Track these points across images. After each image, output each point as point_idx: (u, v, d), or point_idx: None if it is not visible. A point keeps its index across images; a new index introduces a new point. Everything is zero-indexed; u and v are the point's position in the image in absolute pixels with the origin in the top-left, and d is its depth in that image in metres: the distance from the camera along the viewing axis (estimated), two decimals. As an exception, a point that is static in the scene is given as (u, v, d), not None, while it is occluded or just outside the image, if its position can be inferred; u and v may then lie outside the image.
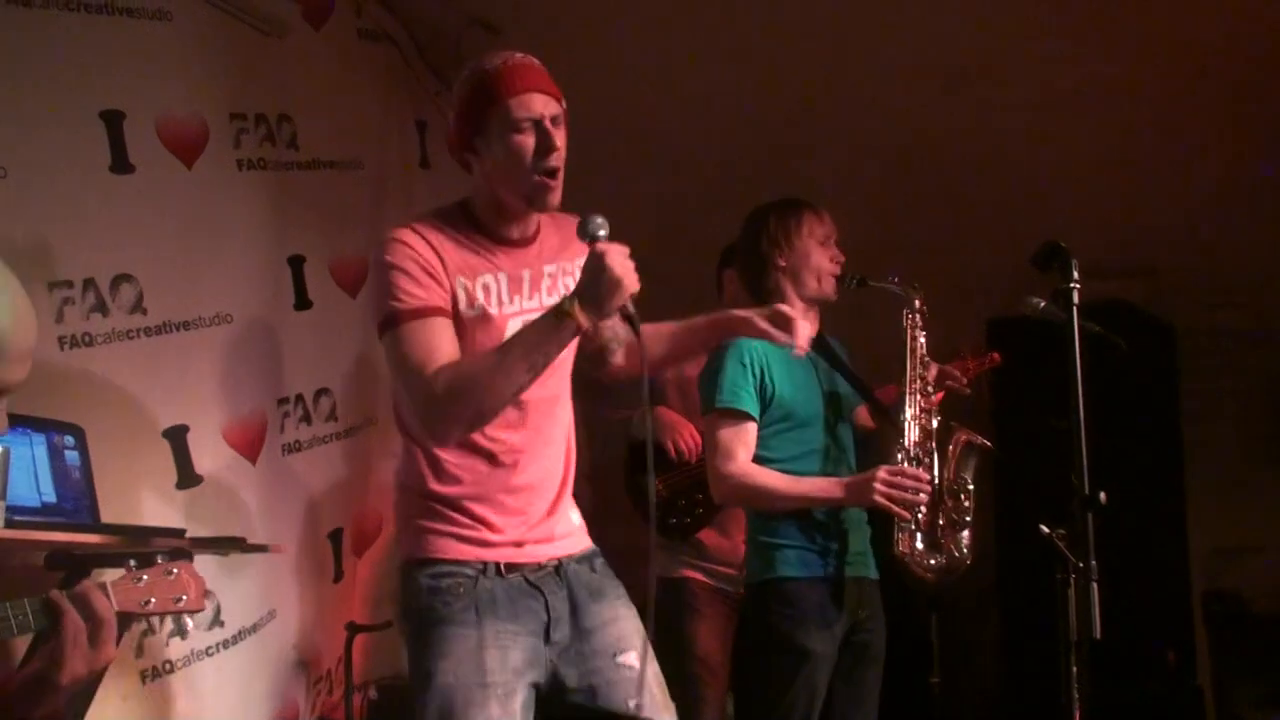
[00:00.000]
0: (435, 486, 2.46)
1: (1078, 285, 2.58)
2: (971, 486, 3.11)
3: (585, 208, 2.40)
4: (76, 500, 3.07)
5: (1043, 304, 2.72)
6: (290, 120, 4.20)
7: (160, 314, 3.61)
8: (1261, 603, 5.31)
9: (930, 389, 3.14)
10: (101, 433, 3.28)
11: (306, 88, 4.29)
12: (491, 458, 2.49)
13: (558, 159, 2.42)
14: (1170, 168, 4.73)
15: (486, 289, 2.46)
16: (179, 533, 3.20)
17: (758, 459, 3.13)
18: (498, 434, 2.48)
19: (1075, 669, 2.55)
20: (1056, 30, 4.34)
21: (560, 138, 2.42)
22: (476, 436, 2.46)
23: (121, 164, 3.54)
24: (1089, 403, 2.50)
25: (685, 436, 3.82)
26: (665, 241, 4.90)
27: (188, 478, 3.66)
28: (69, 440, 3.12)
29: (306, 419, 4.19)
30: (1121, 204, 4.83)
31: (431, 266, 2.38)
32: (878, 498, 2.97)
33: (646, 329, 2.37)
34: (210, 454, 3.73)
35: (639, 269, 2.26)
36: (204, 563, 3.54)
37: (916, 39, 4.43)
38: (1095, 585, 2.44)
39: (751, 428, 3.10)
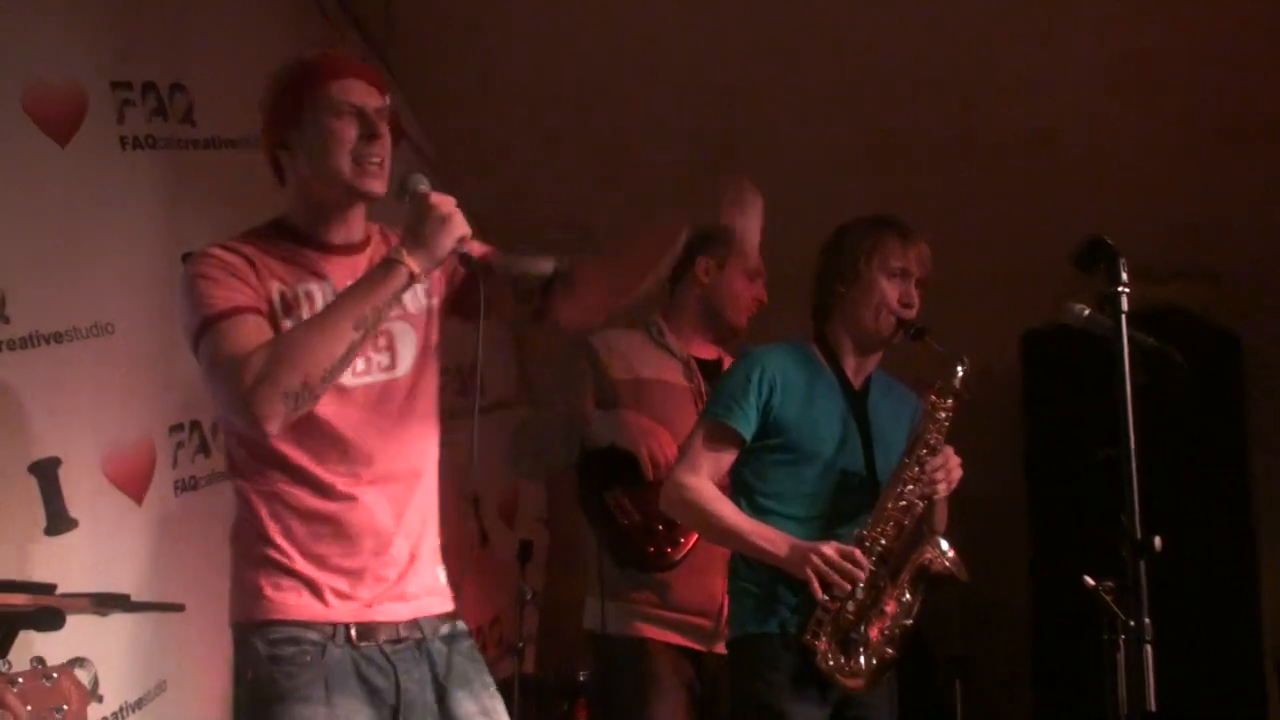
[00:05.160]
0: (273, 532, 2.47)
1: (1127, 290, 2.60)
2: (908, 598, 3.17)
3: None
4: (-77, 549, 3.04)
5: (1086, 312, 2.74)
6: (185, 90, 4.20)
7: (27, 323, 3.60)
8: (1346, 667, 5.35)
9: (924, 478, 3.19)
10: (-46, 467, 3.27)
11: (205, 51, 4.29)
12: (332, 493, 2.49)
13: (381, 149, 2.53)
14: (1234, 153, 4.77)
15: (310, 296, 2.52)
16: (49, 588, 3.18)
17: (744, 483, 3.28)
18: (345, 462, 2.50)
19: (1126, 747, 2.57)
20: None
21: (385, 131, 2.54)
22: (316, 468, 2.48)
23: (-20, 142, 3.55)
24: (1141, 428, 2.52)
25: (664, 445, 3.64)
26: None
27: (59, 520, 3.64)
28: (-85, 476, 3.09)
29: (204, 450, 4.18)
30: (1178, 195, 4.87)
31: (239, 270, 2.48)
32: (808, 571, 3.09)
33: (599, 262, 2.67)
34: (87, 492, 3.71)
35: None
36: (80, 624, 3.51)
37: (931, 5, 4.47)
38: (1149, 648, 2.45)
39: (732, 451, 3.27)
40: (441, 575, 2.68)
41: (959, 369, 3.25)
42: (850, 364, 3.36)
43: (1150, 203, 4.81)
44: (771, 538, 3.15)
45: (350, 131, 2.51)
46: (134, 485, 3.89)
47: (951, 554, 3.19)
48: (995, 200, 4.97)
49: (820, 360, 3.35)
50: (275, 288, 2.50)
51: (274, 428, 2.36)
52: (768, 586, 3.17)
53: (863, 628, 3.12)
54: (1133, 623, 2.48)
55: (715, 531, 3.26)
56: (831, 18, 4.55)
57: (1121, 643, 2.54)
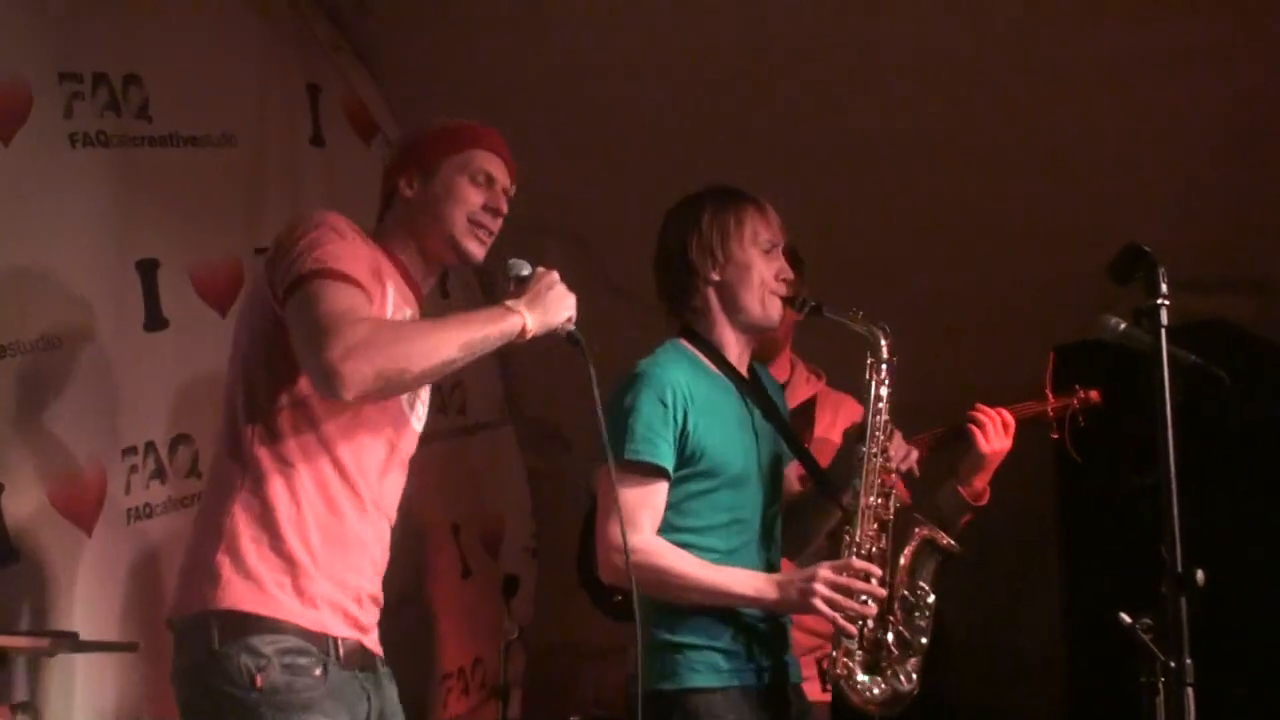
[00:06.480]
0: (291, 524, 2.59)
1: (1167, 302, 2.61)
2: (932, 599, 3.13)
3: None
4: None
5: (1123, 325, 2.74)
6: (140, 82, 4.20)
7: (-34, 336, 3.61)
8: None
9: (890, 465, 3.15)
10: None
11: (162, 40, 4.30)
12: (362, 506, 2.69)
13: (495, 225, 2.84)
14: (1281, 151, 4.78)
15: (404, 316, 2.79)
16: (-12, 626, 3.18)
17: (666, 525, 3.08)
18: (367, 476, 2.70)
19: (1167, 801, 2.57)
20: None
21: (505, 211, 2.85)
22: (359, 478, 2.67)
23: (-85, 139, 3.56)
24: (1181, 453, 2.52)
25: None
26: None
27: (1, 553, 3.63)
28: None
29: (159, 475, 4.18)
30: (1222, 199, 4.87)
31: (367, 255, 2.69)
32: (819, 604, 2.97)
33: None
34: (30, 521, 3.71)
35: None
36: (23, 665, 3.52)
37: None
38: (1191, 690, 2.46)
39: (664, 489, 3.06)
40: None
41: (882, 337, 3.17)
42: (735, 357, 3.22)
43: (1192, 208, 4.82)
44: (756, 584, 3.03)
45: (477, 198, 2.82)
46: (82, 514, 3.89)
47: None
48: (1023, 205, 4.97)
49: (705, 361, 3.19)
50: (389, 292, 2.72)
51: (351, 394, 2.49)
52: (690, 634, 3.04)
53: (889, 642, 3.08)
54: (1173, 664, 2.48)
55: (684, 591, 3.01)
56: (843, 5, 4.56)
57: (1161, 685, 2.55)
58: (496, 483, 5.81)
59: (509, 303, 2.67)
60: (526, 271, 2.76)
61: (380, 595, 2.79)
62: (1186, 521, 2.49)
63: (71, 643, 3.54)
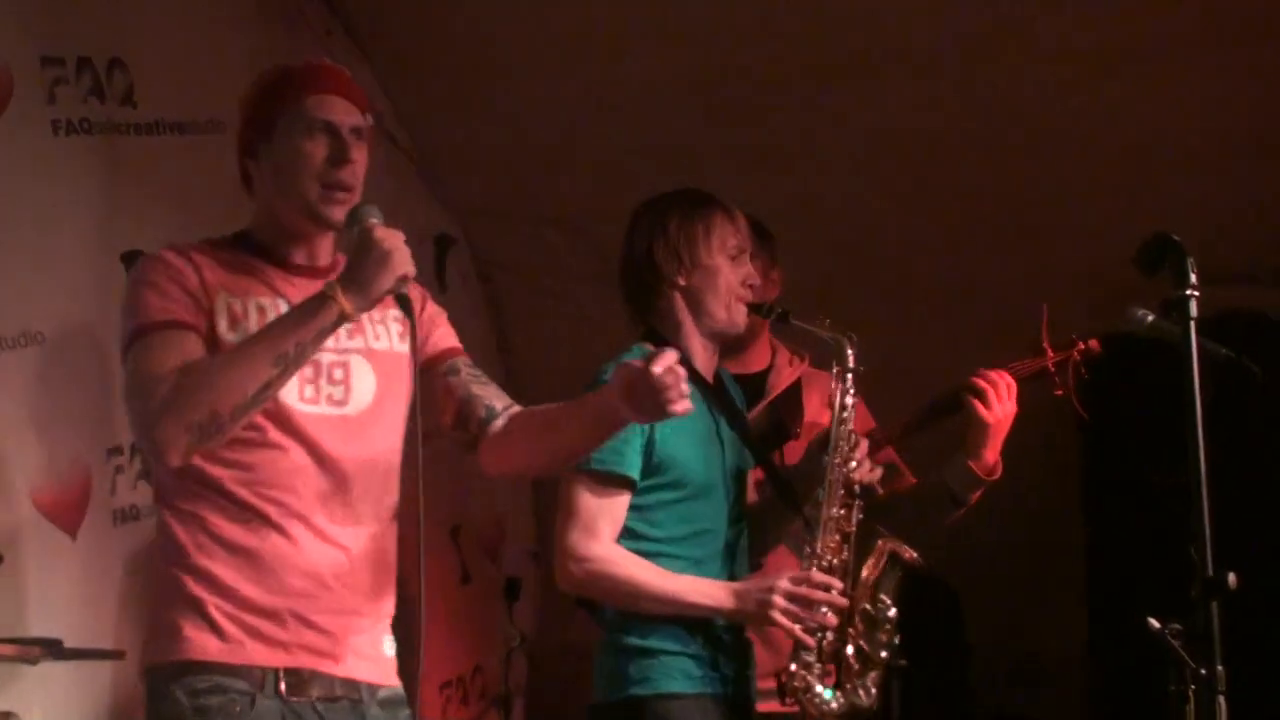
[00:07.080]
0: (194, 561, 2.55)
1: (1196, 293, 2.60)
2: (894, 613, 3.17)
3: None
4: None
5: (1150, 318, 2.74)
6: (125, 67, 4.19)
7: (-56, 332, 3.60)
8: None
9: (854, 475, 3.20)
10: None
11: (147, 22, 4.29)
12: (263, 522, 2.57)
13: (350, 175, 2.66)
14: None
15: (261, 311, 2.65)
16: (-32, 632, 3.18)
17: (632, 534, 3.14)
18: (288, 496, 2.59)
19: (1198, 815, 2.56)
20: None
21: (359, 154, 2.68)
22: (248, 494, 2.57)
23: (-110, 126, 3.56)
24: (1212, 450, 2.51)
25: None
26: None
27: (-18, 556, 3.63)
28: None
29: (146, 476, 4.16)
30: (1253, 186, 4.86)
31: (184, 279, 2.61)
32: (777, 615, 3.03)
33: (527, 415, 2.76)
34: (13, 523, 3.71)
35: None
36: (5, 672, 3.52)
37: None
38: (1223, 699, 2.45)
39: (626, 499, 3.12)
40: (389, 646, 2.76)
41: (848, 346, 3.23)
42: (701, 363, 3.25)
43: (1222, 195, 4.81)
44: (712, 592, 3.09)
45: (319, 151, 2.64)
46: (67, 516, 3.89)
47: None
48: (1048, 196, 4.96)
49: None
50: (222, 299, 2.62)
51: (175, 459, 2.48)
52: (659, 639, 3.09)
53: (849, 656, 3.12)
54: (1204, 671, 2.47)
55: (641, 600, 3.09)
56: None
57: (1191, 694, 2.53)
58: (497, 484, 5.80)
59: (326, 288, 2.50)
60: (373, 221, 2.56)
61: (360, 613, 2.66)
62: (1217, 522, 2.48)
63: (56, 649, 3.53)
